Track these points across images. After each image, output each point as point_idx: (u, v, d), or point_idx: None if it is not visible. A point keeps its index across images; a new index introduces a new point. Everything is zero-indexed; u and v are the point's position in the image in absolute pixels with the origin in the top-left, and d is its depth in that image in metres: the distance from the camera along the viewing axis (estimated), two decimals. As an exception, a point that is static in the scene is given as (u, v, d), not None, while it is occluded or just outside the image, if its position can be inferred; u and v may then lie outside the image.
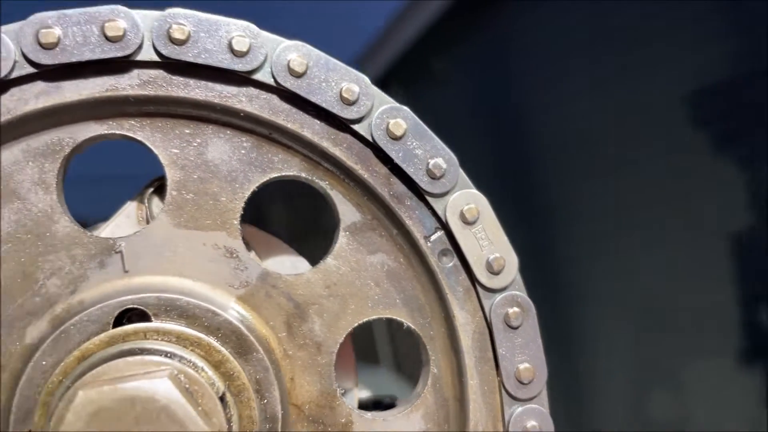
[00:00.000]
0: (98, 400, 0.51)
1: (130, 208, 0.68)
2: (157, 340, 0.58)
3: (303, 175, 0.65)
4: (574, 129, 3.59)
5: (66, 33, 0.58)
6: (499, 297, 0.65)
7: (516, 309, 0.65)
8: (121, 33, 0.58)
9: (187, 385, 0.54)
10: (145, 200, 0.67)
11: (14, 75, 0.58)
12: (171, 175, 0.62)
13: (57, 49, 0.58)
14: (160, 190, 0.67)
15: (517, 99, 3.87)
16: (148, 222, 0.66)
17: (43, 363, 0.58)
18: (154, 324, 0.59)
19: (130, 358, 0.55)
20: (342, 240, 0.65)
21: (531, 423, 0.65)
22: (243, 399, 0.59)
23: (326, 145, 0.63)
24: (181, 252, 0.62)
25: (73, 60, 0.58)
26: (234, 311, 0.62)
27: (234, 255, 0.63)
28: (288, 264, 0.71)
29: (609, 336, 3.43)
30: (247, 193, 0.64)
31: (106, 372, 0.54)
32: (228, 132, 0.63)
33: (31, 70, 0.58)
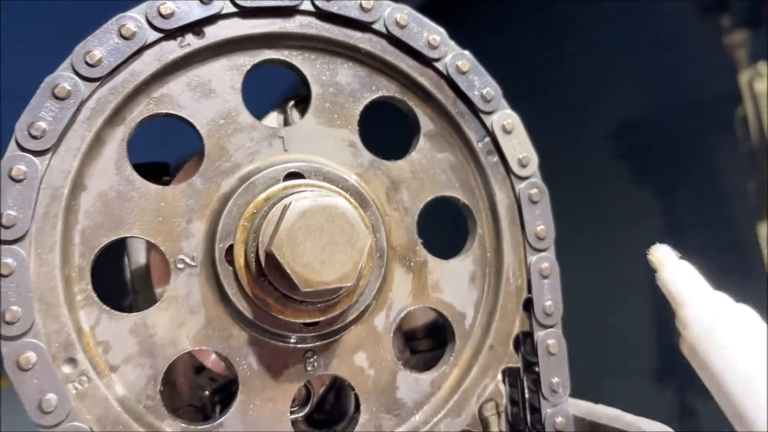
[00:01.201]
0: (303, 206, 0.80)
1: (273, 115, 0.97)
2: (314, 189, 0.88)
3: (397, 96, 0.96)
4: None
5: None
6: (525, 182, 0.98)
7: (536, 190, 0.97)
8: None
9: None
10: (288, 109, 0.96)
11: (223, 12, 0.87)
12: (315, 89, 0.92)
13: None
14: (297, 104, 0.97)
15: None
16: (286, 125, 0.96)
17: (239, 202, 0.86)
18: (311, 180, 0.88)
19: (306, 192, 0.85)
20: (422, 141, 0.97)
21: (545, 264, 0.97)
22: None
23: (415, 75, 0.95)
24: (320, 141, 0.92)
25: (263, 5, 0.88)
26: (355, 180, 0.92)
27: (353, 146, 0.93)
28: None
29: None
30: (362, 106, 0.94)
31: (296, 197, 0.83)
32: (350, 63, 0.94)
33: (233, 9, 0.88)
